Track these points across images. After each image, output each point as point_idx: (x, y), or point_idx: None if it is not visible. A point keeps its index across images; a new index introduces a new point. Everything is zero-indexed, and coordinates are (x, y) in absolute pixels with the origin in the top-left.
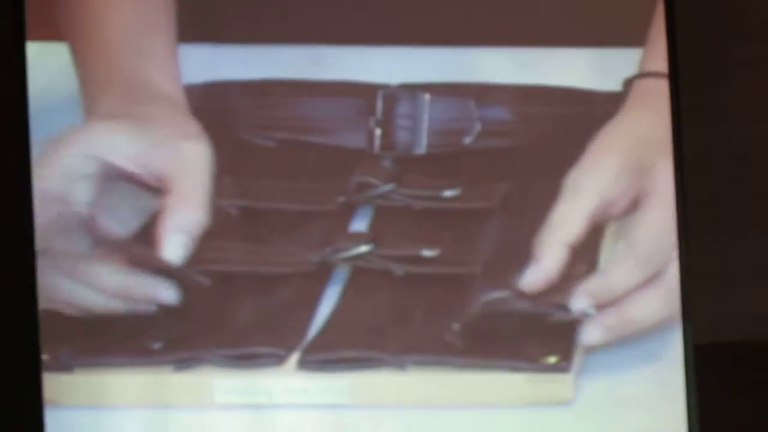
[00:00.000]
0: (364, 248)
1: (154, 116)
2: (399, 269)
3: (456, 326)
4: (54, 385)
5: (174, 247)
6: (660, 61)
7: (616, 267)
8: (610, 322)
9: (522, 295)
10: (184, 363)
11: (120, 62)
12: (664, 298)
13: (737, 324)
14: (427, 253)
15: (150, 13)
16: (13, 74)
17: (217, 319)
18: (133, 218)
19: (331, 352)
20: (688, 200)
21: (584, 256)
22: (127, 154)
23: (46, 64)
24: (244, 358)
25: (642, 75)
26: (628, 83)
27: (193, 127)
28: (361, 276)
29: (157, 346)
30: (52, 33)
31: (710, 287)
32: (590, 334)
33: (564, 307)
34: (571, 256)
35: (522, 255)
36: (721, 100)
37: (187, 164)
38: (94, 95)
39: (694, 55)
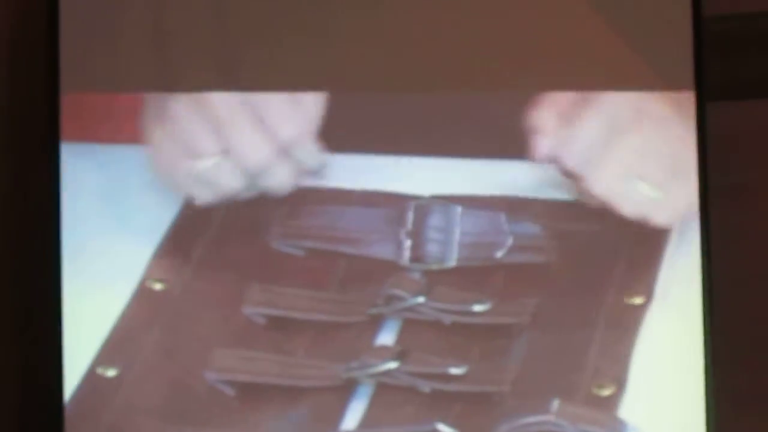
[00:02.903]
0: (391, 365)
1: None
2: (426, 386)
3: None
4: None
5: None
6: None
7: None
8: None
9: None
10: None
11: None
12: None
13: None
14: (455, 370)
15: None
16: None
17: (240, 429)
18: None
19: None
20: (715, 321)
21: (612, 374)
22: None
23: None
24: None
25: None
26: None
27: None
28: (386, 391)
29: None
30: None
31: (736, 409)
32: None
33: None
34: (597, 374)
35: (552, 375)
36: (750, 221)
37: None
38: None
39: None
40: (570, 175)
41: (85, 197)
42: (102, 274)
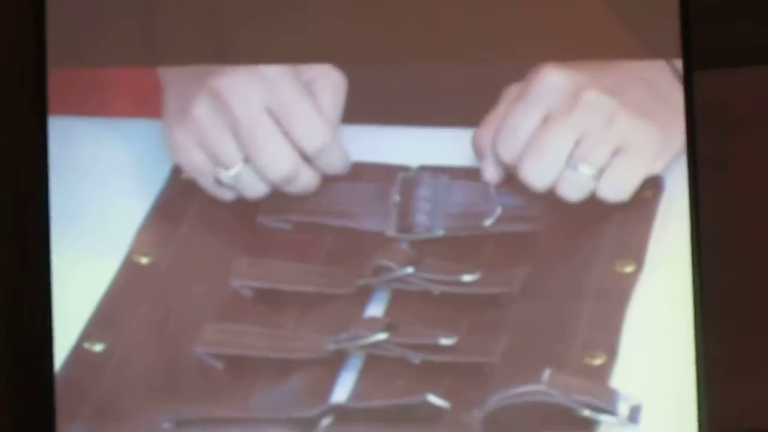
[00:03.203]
0: (380, 336)
1: None
2: (416, 357)
3: (476, 413)
4: None
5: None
6: None
7: None
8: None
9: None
10: None
11: None
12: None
13: (754, 414)
14: (445, 341)
15: None
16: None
17: (229, 402)
18: None
19: None
20: (705, 289)
21: (603, 344)
22: None
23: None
24: None
25: None
26: None
27: None
28: (376, 363)
29: (167, 426)
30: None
31: (726, 377)
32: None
33: (593, 405)
34: (588, 343)
35: (542, 345)
36: (737, 188)
37: None
38: None
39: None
40: (509, 169)
41: (75, 171)
42: (92, 248)
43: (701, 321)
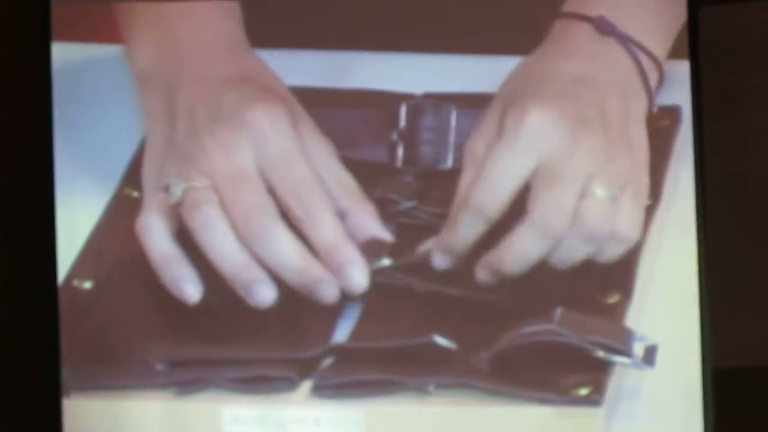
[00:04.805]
0: (384, 262)
1: None
2: (420, 286)
3: (484, 354)
4: None
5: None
6: None
7: None
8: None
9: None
10: (189, 386)
11: None
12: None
13: (760, 349)
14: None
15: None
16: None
17: (226, 340)
18: None
19: (348, 376)
20: (708, 221)
21: (618, 283)
22: None
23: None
24: (254, 382)
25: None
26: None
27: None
28: (380, 301)
29: (161, 367)
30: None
31: (732, 311)
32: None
33: (607, 346)
34: (604, 283)
35: (556, 282)
36: (747, 127)
37: None
38: None
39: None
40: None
41: (76, 98)
42: (94, 180)
43: (705, 257)
